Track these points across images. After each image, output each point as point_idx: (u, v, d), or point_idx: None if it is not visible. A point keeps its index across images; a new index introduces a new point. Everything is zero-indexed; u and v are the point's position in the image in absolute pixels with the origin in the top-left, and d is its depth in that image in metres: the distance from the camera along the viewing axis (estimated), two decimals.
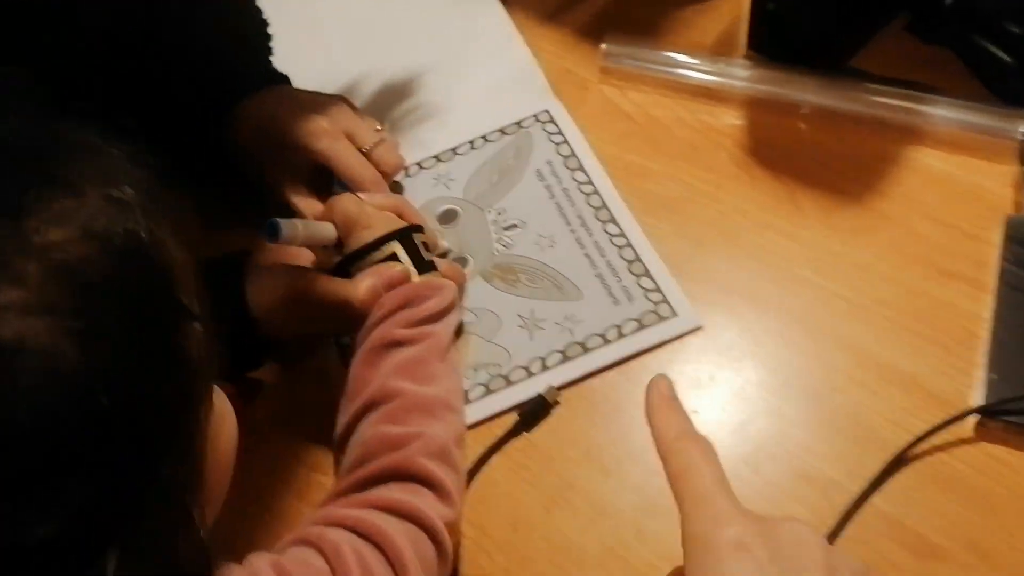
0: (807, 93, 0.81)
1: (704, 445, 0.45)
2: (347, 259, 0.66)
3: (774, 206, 0.77)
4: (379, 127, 0.79)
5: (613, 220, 0.76)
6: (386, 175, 0.77)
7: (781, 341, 0.70)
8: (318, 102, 0.77)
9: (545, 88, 0.85)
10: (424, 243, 0.69)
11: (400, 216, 0.70)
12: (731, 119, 0.83)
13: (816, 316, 0.71)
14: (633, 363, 0.70)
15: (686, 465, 0.44)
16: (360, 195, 0.70)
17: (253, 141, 0.76)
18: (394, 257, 0.66)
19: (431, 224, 0.75)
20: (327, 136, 0.75)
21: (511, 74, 0.87)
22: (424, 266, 0.67)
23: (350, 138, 0.76)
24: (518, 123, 0.84)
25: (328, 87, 0.81)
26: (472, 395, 0.69)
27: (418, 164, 0.83)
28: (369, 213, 0.67)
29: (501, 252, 0.76)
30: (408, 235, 0.67)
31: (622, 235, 0.75)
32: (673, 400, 0.48)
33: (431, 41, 0.91)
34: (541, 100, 0.85)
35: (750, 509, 0.43)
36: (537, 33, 0.91)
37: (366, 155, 0.76)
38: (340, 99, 0.78)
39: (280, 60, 0.82)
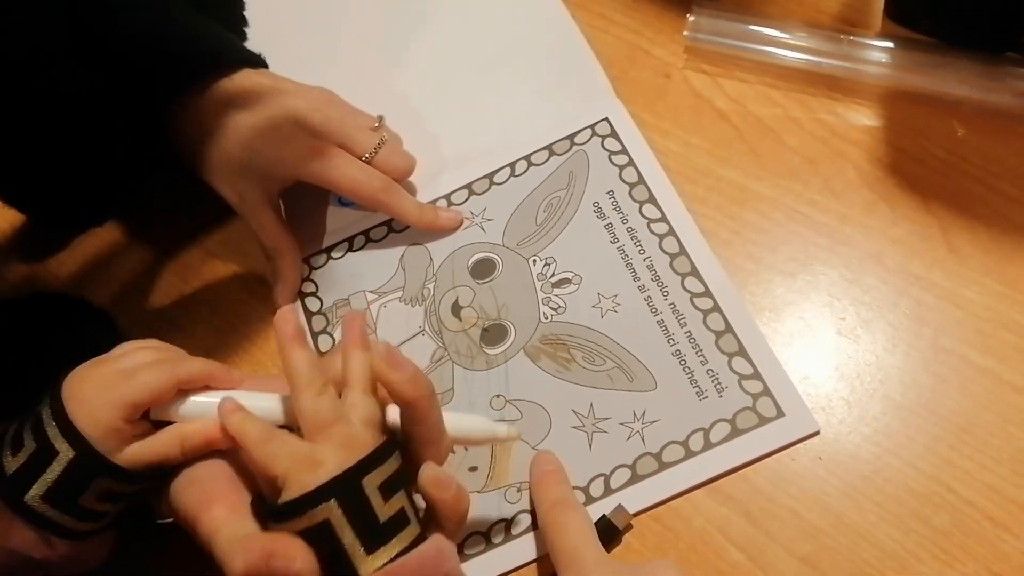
0: (968, 84, 0.59)
1: (574, 511, 0.48)
2: (267, 512, 0.44)
3: (921, 249, 0.57)
4: (376, 123, 0.63)
5: (695, 272, 0.57)
6: (396, 181, 0.62)
7: (932, 456, 0.51)
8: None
9: (603, 84, 0.65)
10: (392, 477, 0.43)
11: (391, 390, 0.45)
12: (862, 120, 0.62)
13: (983, 419, 0.51)
14: (724, 482, 0.52)
15: (556, 530, 0.47)
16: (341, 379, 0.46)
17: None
18: (327, 527, 0.41)
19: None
20: (318, 156, 0.59)
21: (558, 65, 0.66)
22: (379, 533, 0.42)
23: (345, 148, 0.60)
24: (570, 138, 0.64)
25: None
26: (515, 528, 0.53)
27: (447, 198, 0.64)
28: (322, 426, 0.43)
29: (550, 318, 0.58)
30: (355, 483, 0.42)
31: (707, 294, 0.57)
32: (554, 473, 0.51)
33: (449, 28, 0.69)
34: (599, 103, 0.65)
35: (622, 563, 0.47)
36: (599, 1, 0.70)
37: (367, 163, 0.61)
38: (324, 95, 0.61)
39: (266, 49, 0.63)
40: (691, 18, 0.65)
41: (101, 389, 0.45)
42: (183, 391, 0.47)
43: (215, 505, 0.44)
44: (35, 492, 0.44)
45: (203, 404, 0.47)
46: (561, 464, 0.52)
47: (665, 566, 0.45)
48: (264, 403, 0.47)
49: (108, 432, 0.45)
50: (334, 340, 0.61)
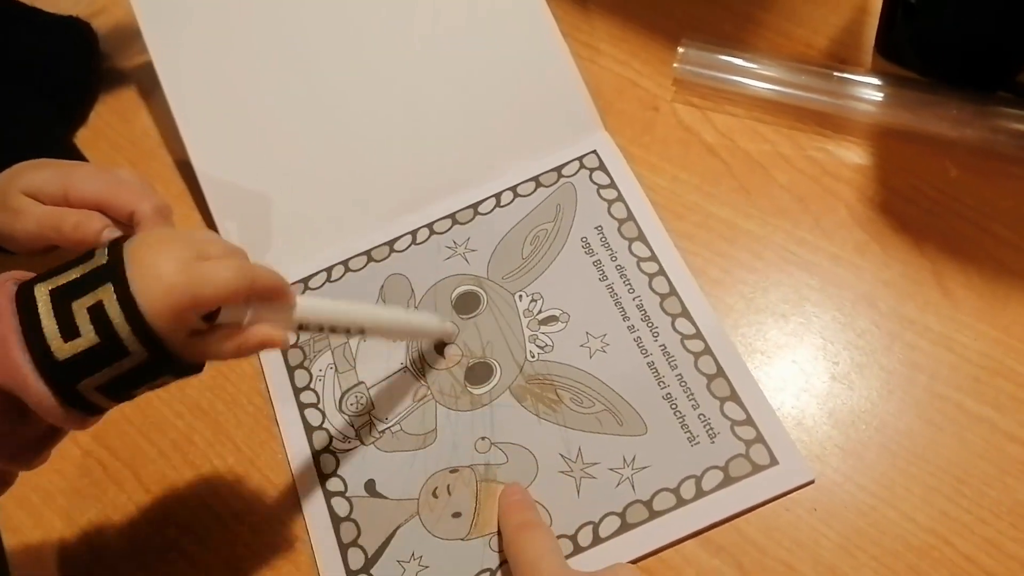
0: (960, 124, 0.58)
1: (537, 528, 0.48)
2: None
3: (914, 291, 0.56)
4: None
5: (685, 313, 0.56)
6: None
7: (929, 507, 0.50)
8: None
9: (591, 116, 0.63)
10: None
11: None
12: (853, 158, 0.61)
13: (980, 470, 0.50)
14: (715, 532, 0.51)
15: (518, 548, 0.47)
16: None
17: None
18: None
19: None
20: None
21: (547, 95, 0.64)
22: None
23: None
24: (557, 170, 0.62)
25: (288, 112, 0.61)
26: None
27: (429, 227, 0.62)
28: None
29: (536, 357, 0.56)
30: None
31: (698, 336, 0.55)
32: (521, 502, 0.51)
33: (434, 48, 0.65)
34: (587, 135, 0.63)
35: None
36: (586, 30, 0.69)
37: None
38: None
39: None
40: (681, 50, 0.64)
41: (174, 270, 0.39)
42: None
43: None
44: (91, 383, 0.39)
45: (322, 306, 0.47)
46: (528, 493, 0.51)
47: (624, 568, 0.45)
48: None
49: (176, 325, 0.40)
50: (311, 375, 0.58)
